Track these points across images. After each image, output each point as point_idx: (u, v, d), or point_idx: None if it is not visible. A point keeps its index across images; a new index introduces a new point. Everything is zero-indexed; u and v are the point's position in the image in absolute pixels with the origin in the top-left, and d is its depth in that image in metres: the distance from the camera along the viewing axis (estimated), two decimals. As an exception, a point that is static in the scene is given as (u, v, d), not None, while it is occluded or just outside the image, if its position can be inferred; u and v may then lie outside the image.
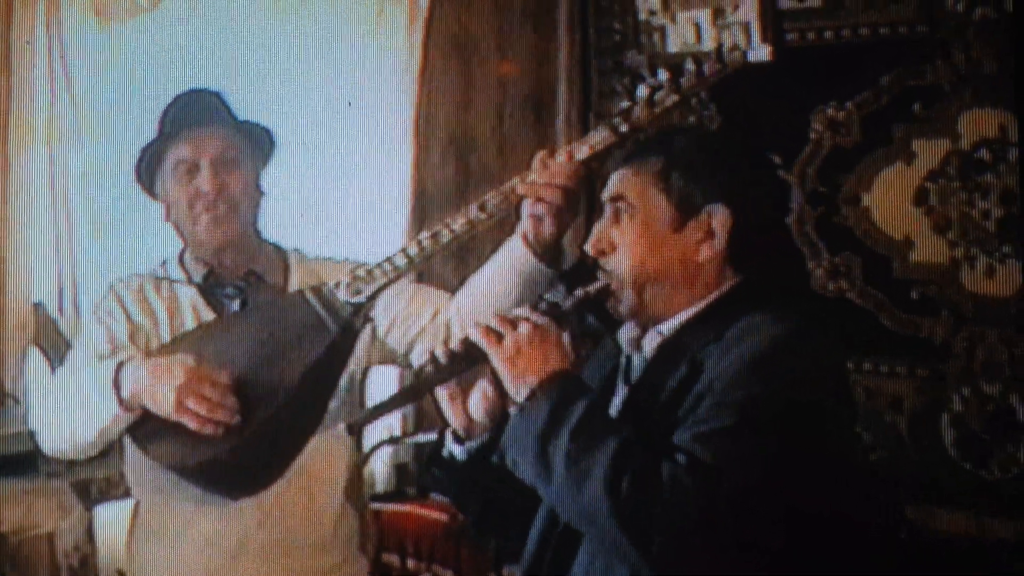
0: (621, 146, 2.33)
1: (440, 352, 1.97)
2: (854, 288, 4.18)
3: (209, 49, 3.71)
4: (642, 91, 2.35)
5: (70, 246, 3.76)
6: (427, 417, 4.47)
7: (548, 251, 2.43)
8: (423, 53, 4.43)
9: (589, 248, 2.02)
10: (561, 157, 2.38)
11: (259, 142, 2.67)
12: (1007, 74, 3.86)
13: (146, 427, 2.43)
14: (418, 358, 2.61)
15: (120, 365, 2.42)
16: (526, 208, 2.42)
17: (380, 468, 4.36)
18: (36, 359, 3.63)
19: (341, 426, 2.16)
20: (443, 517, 4.13)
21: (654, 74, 3.98)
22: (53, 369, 3.58)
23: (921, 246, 4.13)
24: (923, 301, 4.12)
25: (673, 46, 4.53)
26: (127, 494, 2.85)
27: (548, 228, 2.41)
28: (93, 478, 3.70)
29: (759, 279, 2.00)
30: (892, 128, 4.14)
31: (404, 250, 2.45)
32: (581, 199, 2.40)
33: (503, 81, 4.73)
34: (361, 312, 2.47)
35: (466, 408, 2.03)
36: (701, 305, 1.97)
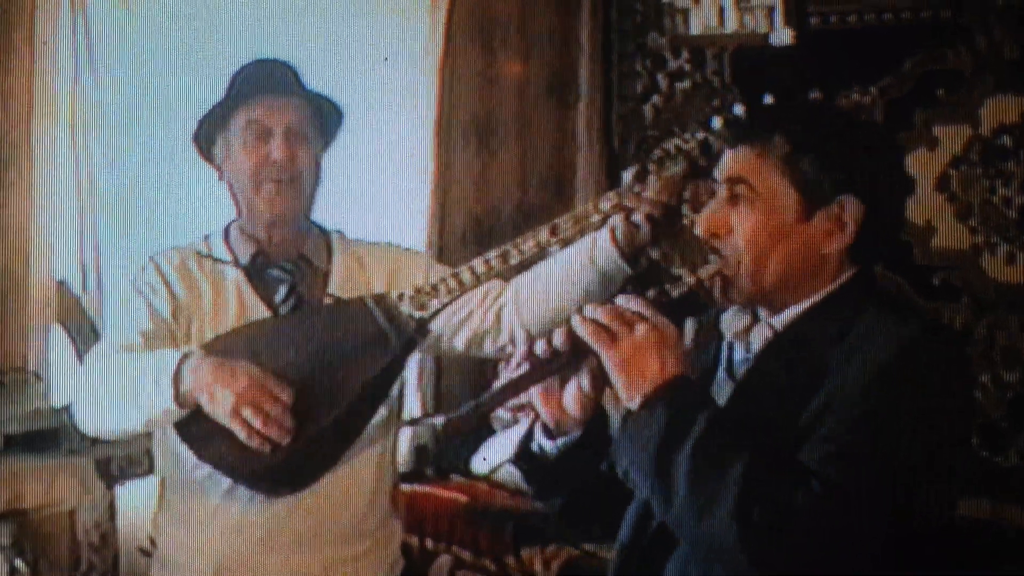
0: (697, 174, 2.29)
1: (541, 347, 1.84)
2: (875, 273, 4.17)
3: (232, 32, 3.72)
4: (716, 123, 2.32)
5: (93, 225, 3.76)
6: (446, 398, 4.49)
7: (635, 253, 2.41)
8: (445, 35, 4.43)
9: (700, 230, 1.89)
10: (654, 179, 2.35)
11: (328, 121, 2.63)
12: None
13: (197, 426, 2.39)
14: (463, 343, 2.59)
15: (183, 358, 2.38)
16: (619, 216, 2.39)
17: (400, 449, 4.36)
18: (59, 337, 3.64)
19: (439, 419, 2.07)
20: (462, 498, 4.14)
21: (676, 56, 3.99)
22: (76, 347, 3.59)
23: (943, 232, 4.12)
24: (944, 287, 4.12)
25: (696, 28, 4.53)
26: (149, 472, 2.85)
27: (644, 236, 2.37)
28: (114, 456, 3.71)
29: (871, 271, 1.89)
30: (915, 113, 4.13)
31: (471, 266, 2.42)
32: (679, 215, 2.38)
33: (524, 64, 4.73)
34: (424, 327, 2.44)
35: (560, 402, 1.91)
36: (816, 298, 1.86)
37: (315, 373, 2.37)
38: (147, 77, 3.70)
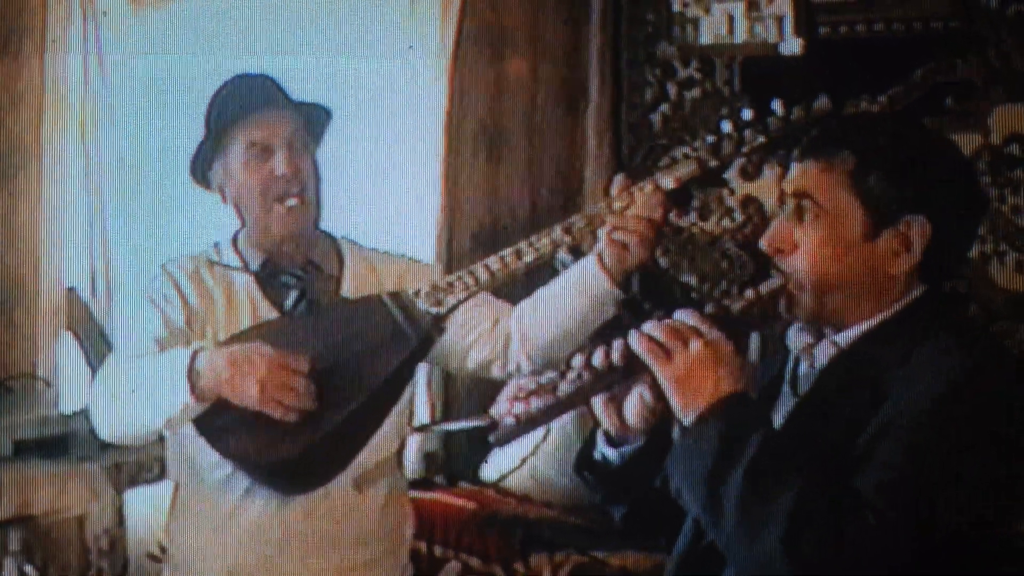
0: (705, 180, 2.28)
1: (599, 362, 1.83)
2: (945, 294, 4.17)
3: (243, 36, 3.72)
4: (727, 126, 2.33)
5: (103, 231, 3.77)
6: (455, 406, 4.49)
7: (625, 277, 2.42)
8: (455, 43, 4.43)
9: (765, 245, 1.87)
10: (647, 187, 2.36)
11: (316, 123, 2.65)
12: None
13: (215, 420, 2.40)
14: (473, 364, 2.60)
15: (196, 354, 2.40)
16: (604, 233, 2.40)
17: (409, 456, 4.36)
18: (69, 344, 3.65)
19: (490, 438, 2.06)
20: (470, 505, 4.14)
21: (686, 65, 4.00)
22: (86, 354, 3.60)
23: (951, 241, 4.11)
24: (952, 296, 4.11)
25: (705, 38, 4.53)
26: (159, 478, 2.85)
27: (632, 257, 2.38)
28: (124, 462, 3.72)
29: (939, 292, 1.87)
30: (924, 123, 4.12)
31: (486, 264, 2.43)
32: (664, 230, 2.37)
33: (534, 72, 4.74)
34: (440, 323, 2.45)
35: (620, 412, 1.90)
36: (883, 317, 1.83)
37: (332, 369, 2.38)
38: (158, 81, 3.70)
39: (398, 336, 2.41)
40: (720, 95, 4.54)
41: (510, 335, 2.57)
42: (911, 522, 1.64)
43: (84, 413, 2.96)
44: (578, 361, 1.84)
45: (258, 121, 2.53)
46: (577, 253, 2.81)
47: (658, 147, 4.66)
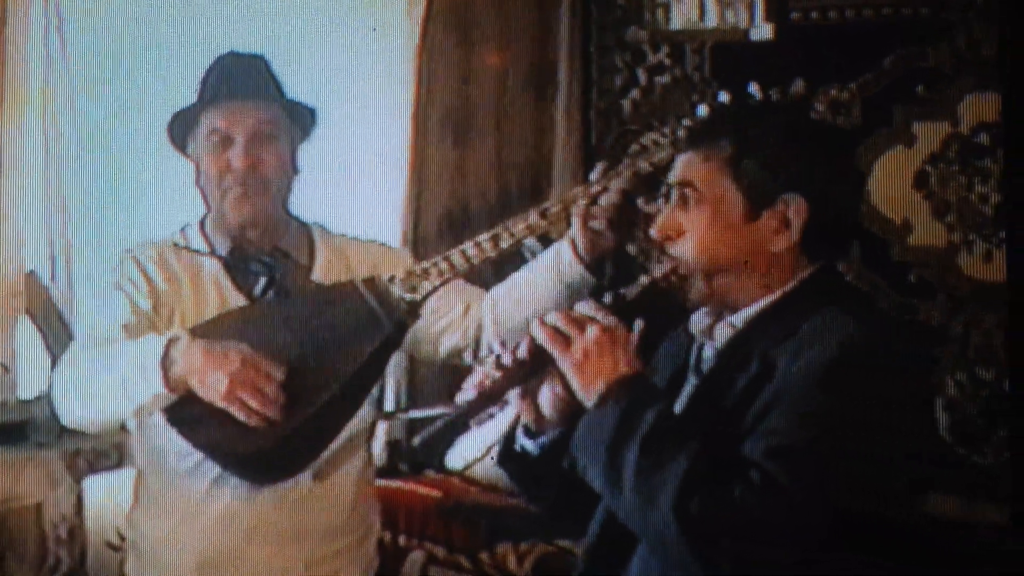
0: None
1: (507, 358, 1.92)
2: (852, 270, 4.18)
3: (205, 19, 3.68)
4: (703, 111, 2.35)
5: (63, 216, 3.73)
6: (420, 393, 4.47)
7: (597, 262, 2.42)
8: (423, 27, 4.40)
9: (655, 232, 1.96)
10: (625, 172, 2.38)
11: (300, 119, 2.62)
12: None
13: (186, 410, 2.38)
14: (445, 351, 2.60)
15: (170, 343, 2.37)
16: (577, 219, 2.41)
17: (374, 445, 4.34)
18: (27, 328, 3.61)
19: (415, 440, 2.08)
20: (435, 493, 4.13)
21: (656, 51, 3.98)
22: (45, 339, 3.56)
23: (919, 229, 4.13)
24: (920, 284, 4.12)
25: (676, 23, 4.52)
26: (118, 465, 2.82)
27: (604, 243, 2.40)
28: (83, 449, 3.68)
29: (832, 268, 1.95)
30: (893, 110, 4.13)
31: (462, 250, 2.42)
32: (639, 213, 2.39)
33: (503, 56, 4.71)
34: (415, 310, 2.44)
35: (536, 404, 1.97)
36: (774, 296, 1.91)
37: (305, 356, 2.37)
38: (119, 70, 3.67)
39: (372, 323, 2.40)
40: (690, 81, 4.53)
41: (482, 321, 2.56)
42: (796, 483, 1.69)
43: (43, 399, 2.93)
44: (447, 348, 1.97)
45: (225, 109, 2.51)
46: (545, 240, 2.80)
47: (628, 133, 4.64)
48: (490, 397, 1.93)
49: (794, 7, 4.26)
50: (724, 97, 2.31)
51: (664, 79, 4.61)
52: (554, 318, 1.89)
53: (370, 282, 2.43)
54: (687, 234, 1.92)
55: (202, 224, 2.62)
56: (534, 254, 2.59)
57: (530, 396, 1.96)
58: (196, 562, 2.55)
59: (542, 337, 1.87)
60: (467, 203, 4.68)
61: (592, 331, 1.85)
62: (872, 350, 1.79)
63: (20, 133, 3.69)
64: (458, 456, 4.29)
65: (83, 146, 3.74)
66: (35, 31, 3.67)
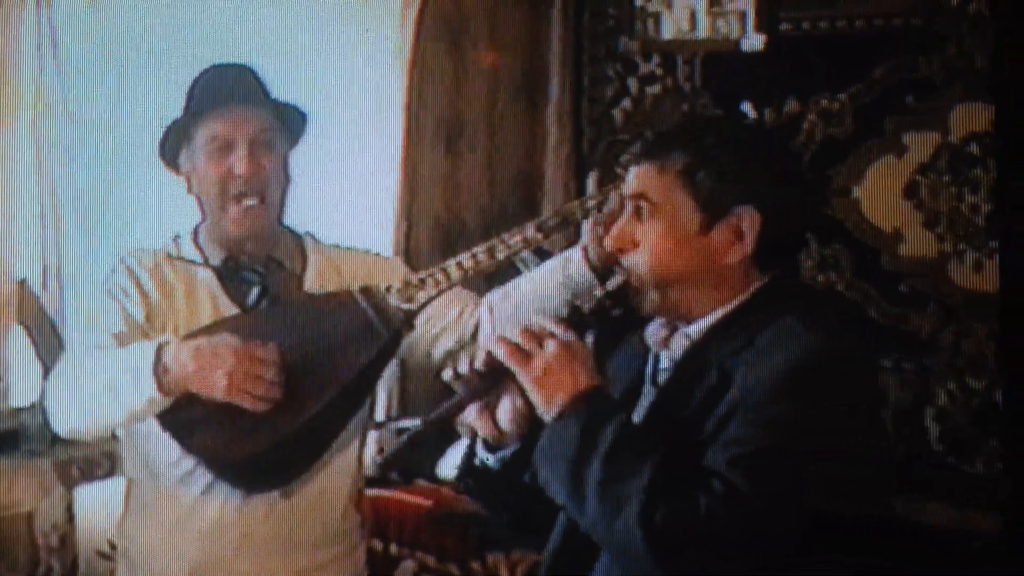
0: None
1: (465, 372, 1.92)
2: (843, 280, 4.19)
3: (198, 27, 3.68)
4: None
5: (55, 224, 3.73)
6: (411, 402, 4.46)
7: (607, 270, 2.40)
8: (415, 35, 4.41)
9: (609, 244, 1.98)
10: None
11: (292, 124, 2.61)
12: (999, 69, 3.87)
13: (179, 415, 2.38)
14: (439, 356, 2.60)
15: (161, 347, 2.36)
16: (590, 226, 2.42)
17: (364, 454, 4.34)
18: (19, 337, 3.61)
19: (377, 459, 2.07)
20: (426, 503, 4.11)
21: (647, 61, 4.00)
22: (36, 348, 3.55)
23: (910, 239, 4.13)
24: (911, 294, 4.13)
25: (667, 33, 4.53)
26: (109, 474, 2.82)
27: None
28: (74, 458, 3.68)
29: (786, 278, 1.97)
30: (884, 120, 4.14)
31: (459, 261, 2.43)
32: None
33: (495, 65, 4.72)
34: (411, 319, 2.44)
35: (495, 418, 1.98)
36: (729, 307, 1.93)
37: (300, 364, 2.37)
38: (112, 75, 3.67)
39: (369, 332, 2.40)
40: (681, 91, 4.54)
41: (479, 325, 2.56)
42: (759, 490, 1.71)
43: (34, 408, 2.92)
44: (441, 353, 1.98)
45: (223, 116, 2.50)
46: (540, 252, 2.81)
47: (619, 142, 4.65)
48: (450, 413, 1.94)
49: (784, 18, 4.27)
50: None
51: (655, 89, 4.61)
52: (513, 334, 1.90)
53: (366, 291, 2.43)
54: (641, 246, 1.94)
55: (195, 234, 2.61)
56: (528, 265, 2.60)
57: (489, 410, 1.97)
58: (187, 571, 2.55)
59: (502, 353, 1.88)
60: (459, 212, 4.68)
61: (552, 346, 1.86)
62: (828, 357, 1.81)
63: (12, 142, 3.68)
64: (449, 465, 4.29)
65: (75, 155, 3.73)
66: (28, 40, 3.67)
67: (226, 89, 2.53)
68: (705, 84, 4.44)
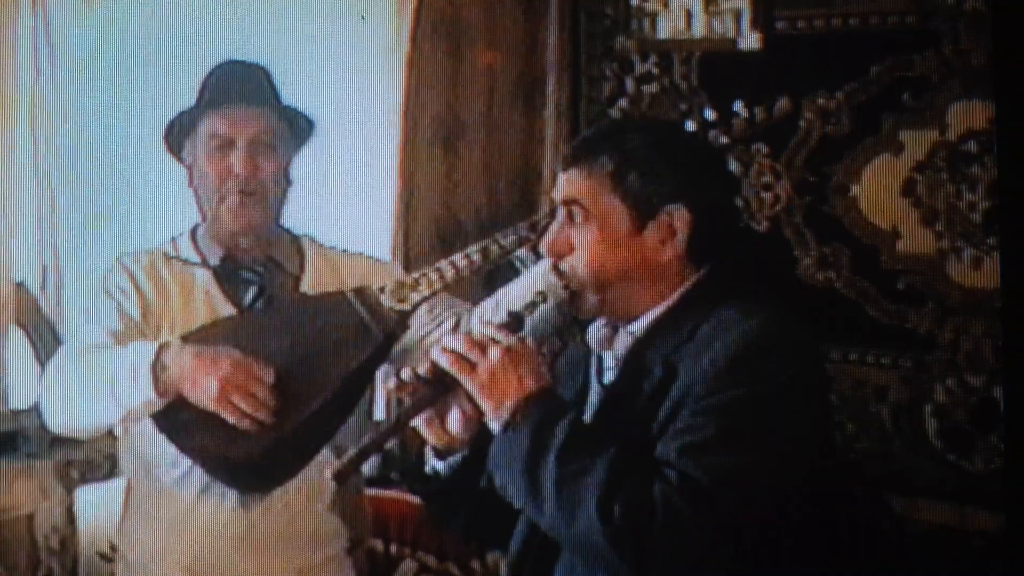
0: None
1: (409, 379, 1.95)
2: (841, 278, 4.18)
3: (196, 29, 3.68)
4: (691, 126, 2.38)
5: (53, 225, 3.72)
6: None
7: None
8: (412, 36, 4.41)
9: (545, 250, 2.02)
10: None
11: (298, 129, 2.62)
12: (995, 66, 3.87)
13: (176, 416, 2.38)
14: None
15: (162, 348, 2.36)
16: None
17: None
18: (17, 339, 3.60)
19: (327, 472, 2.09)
20: (427, 503, 4.11)
21: (644, 60, 4.01)
22: (35, 349, 3.55)
23: (908, 237, 4.13)
24: (909, 292, 4.13)
25: (664, 32, 4.52)
26: (109, 476, 2.81)
27: None
28: (74, 460, 3.67)
29: (723, 270, 2.01)
30: (881, 118, 4.14)
31: (452, 261, 2.44)
32: None
33: (492, 65, 4.71)
34: (405, 320, 2.45)
35: (444, 426, 2.01)
36: (668, 303, 1.98)
37: (295, 365, 2.38)
38: (109, 76, 3.66)
39: (362, 333, 2.41)
40: (678, 90, 4.53)
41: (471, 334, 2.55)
42: (713, 477, 1.75)
43: (33, 410, 2.92)
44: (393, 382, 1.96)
45: (226, 113, 2.52)
46: (536, 252, 2.81)
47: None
48: (399, 423, 1.97)
49: (780, 16, 4.26)
50: (711, 115, 2.36)
51: (652, 88, 4.61)
52: (455, 343, 1.93)
53: (360, 292, 2.44)
54: (576, 250, 1.97)
55: (193, 234, 2.61)
56: (524, 264, 2.60)
57: (437, 418, 1.99)
58: (185, 572, 2.55)
59: (446, 362, 1.91)
60: (457, 213, 4.68)
61: (494, 352, 1.89)
62: (766, 340, 1.85)
63: (9, 142, 3.68)
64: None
65: (72, 155, 3.73)
66: (23, 39, 3.66)
67: (234, 87, 2.55)
68: (702, 83, 4.43)
